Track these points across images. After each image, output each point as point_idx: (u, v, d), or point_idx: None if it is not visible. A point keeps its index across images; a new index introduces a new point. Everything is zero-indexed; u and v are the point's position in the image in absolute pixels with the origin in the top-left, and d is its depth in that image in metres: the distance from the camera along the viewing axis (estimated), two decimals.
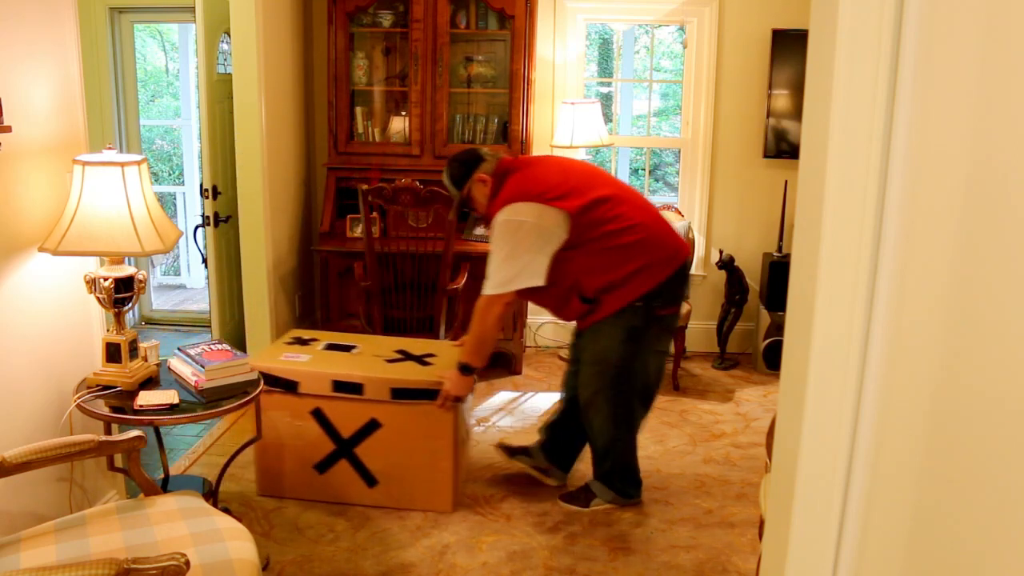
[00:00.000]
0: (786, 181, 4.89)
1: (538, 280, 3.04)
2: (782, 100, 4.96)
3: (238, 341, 4.66)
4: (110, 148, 2.73)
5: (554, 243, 3.03)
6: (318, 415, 3.28)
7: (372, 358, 3.39)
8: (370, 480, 3.31)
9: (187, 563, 1.79)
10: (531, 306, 5.25)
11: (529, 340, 5.28)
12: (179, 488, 2.71)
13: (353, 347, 3.50)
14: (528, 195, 3.04)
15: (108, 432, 2.78)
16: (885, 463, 1.09)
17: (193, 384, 2.81)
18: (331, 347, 3.50)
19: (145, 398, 2.69)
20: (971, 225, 0.91)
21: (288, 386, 3.26)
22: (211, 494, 3.02)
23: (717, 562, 3.01)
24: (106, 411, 2.65)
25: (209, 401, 2.73)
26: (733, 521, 3.28)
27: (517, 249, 3.03)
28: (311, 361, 3.33)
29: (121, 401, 2.71)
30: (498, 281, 3.07)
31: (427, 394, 3.21)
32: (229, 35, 4.39)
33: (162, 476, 3.22)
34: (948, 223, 0.95)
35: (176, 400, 2.69)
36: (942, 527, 0.97)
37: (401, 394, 3.22)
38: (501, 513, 3.30)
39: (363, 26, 4.95)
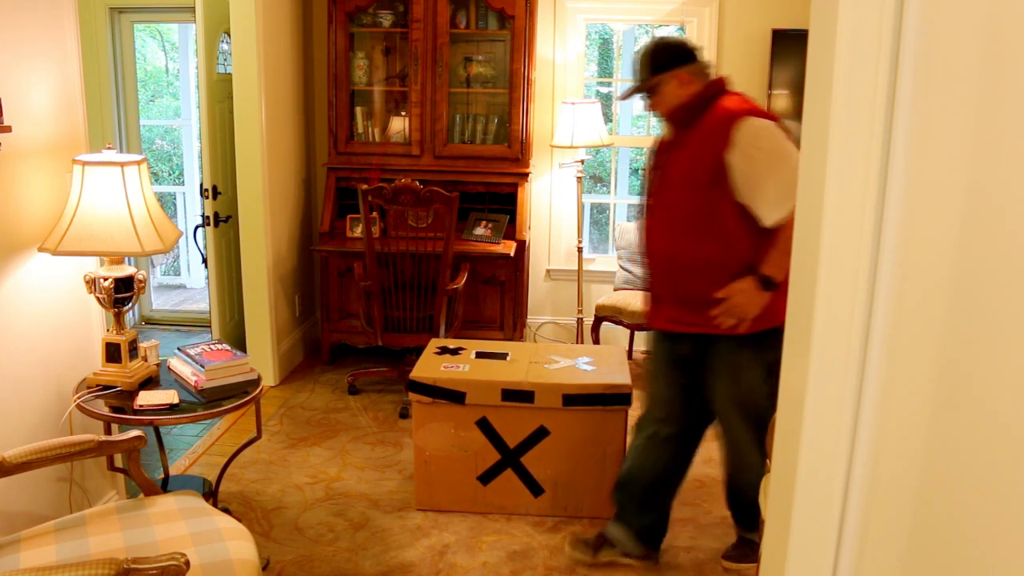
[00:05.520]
0: None
1: None
2: (782, 100, 4.95)
3: (238, 341, 4.66)
4: (110, 148, 2.73)
5: None
6: (484, 425, 3.24)
7: (531, 364, 3.35)
8: (536, 489, 3.28)
9: (187, 563, 1.79)
10: (531, 305, 5.25)
11: (529, 340, 5.28)
12: (179, 488, 2.71)
13: (505, 354, 3.47)
14: (777, 122, 2.64)
15: (108, 432, 2.78)
16: (885, 463, 1.09)
17: (193, 384, 2.81)
18: (482, 355, 3.46)
19: (145, 398, 2.69)
20: (972, 225, 0.91)
21: (455, 397, 3.21)
22: (211, 494, 3.02)
23: (717, 562, 3.00)
24: (106, 411, 2.65)
25: (209, 401, 2.73)
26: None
27: (786, 148, 2.60)
28: (472, 371, 3.29)
29: (121, 401, 2.71)
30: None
31: (598, 399, 3.15)
32: (229, 35, 4.39)
33: (162, 476, 3.22)
34: (949, 223, 0.95)
35: (176, 400, 2.69)
36: (942, 527, 0.97)
37: (572, 400, 3.17)
38: (501, 513, 3.30)
39: (363, 26, 4.95)
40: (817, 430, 1.13)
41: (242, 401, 2.75)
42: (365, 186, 4.10)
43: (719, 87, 2.70)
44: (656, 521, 2.97)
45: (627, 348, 5.17)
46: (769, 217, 2.54)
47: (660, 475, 2.92)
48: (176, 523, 2.20)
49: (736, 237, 2.59)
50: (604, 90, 6.53)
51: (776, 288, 2.55)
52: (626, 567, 2.95)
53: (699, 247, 2.63)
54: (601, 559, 2.96)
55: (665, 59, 2.69)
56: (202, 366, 2.81)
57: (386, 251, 4.20)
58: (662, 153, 2.77)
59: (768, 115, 2.65)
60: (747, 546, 2.97)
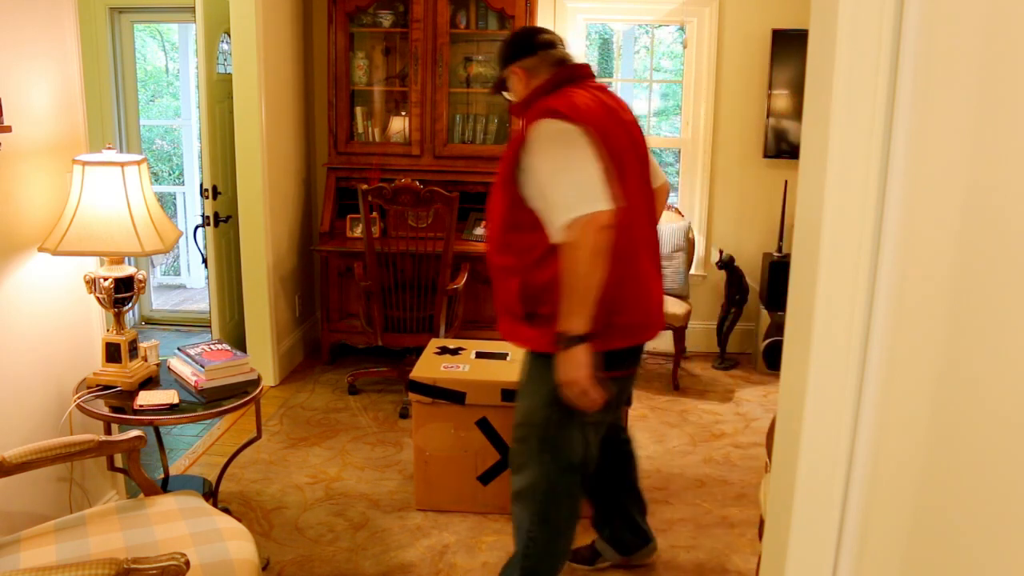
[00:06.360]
0: (786, 181, 4.89)
1: (610, 199, 2.18)
2: (782, 100, 4.96)
3: (238, 341, 4.66)
4: (110, 148, 2.73)
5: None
6: (484, 425, 3.24)
7: None
8: None
9: (187, 563, 1.79)
10: None
11: None
12: (179, 488, 2.71)
13: (505, 354, 3.47)
14: (585, 124, 2.27)
15: (108, 432, 2.78)
16: (885, 463, 1.09)
17: (193, 384, 2.81)
18: (482, 355, 3.46)
19: (145, 398, 2.69)
20: (971, 225, 0.91)
21: (455, 397, 3.21)
22: (211, 494, 3.03)
23: (717, 562, 3.01)
24: (106, 411, 2.65)
25: (209, 401, 2.73)
26: (733, 521, 3.28)
27: (571, 157, 2.23)
28: (472, 371, 3.29)
29: (121, 401, 2.71)
30: (573, 199, 2.17)
31: None
32: (229, 35, 4.39)
33: (162, 476, 3.22)
34: (948, 223, 0.95)
35: (176, 400, 2.69)
36: (942, 527, 0.97)
37: None
38: (501, 513, 3.30)
39: (363, 26, 4.95)
40: (817, 430, 1.13)
41: (242, 401, 2.75)
42: (365, 186, 4.10)
43: (560, 79, 2.42)
44: (620, 530, 2.90)
45: None
46: (553, 231, 2.23)
47: (599, 489, 2.86)
48: (176, 523, 2.20)
49: (531, 248, 2.33)
50: None
51: (584, 340, 2.20)
52: (624, 568, 2.95)
53: (502, 254, 2.45)
54: (599, 566, 2.96)
55: (506, 54, 2.51)
56: (202, 366, 2.81)
57: (386, 251, 4.20)
58: None
59: (580, 115, 2.27)
60: None
